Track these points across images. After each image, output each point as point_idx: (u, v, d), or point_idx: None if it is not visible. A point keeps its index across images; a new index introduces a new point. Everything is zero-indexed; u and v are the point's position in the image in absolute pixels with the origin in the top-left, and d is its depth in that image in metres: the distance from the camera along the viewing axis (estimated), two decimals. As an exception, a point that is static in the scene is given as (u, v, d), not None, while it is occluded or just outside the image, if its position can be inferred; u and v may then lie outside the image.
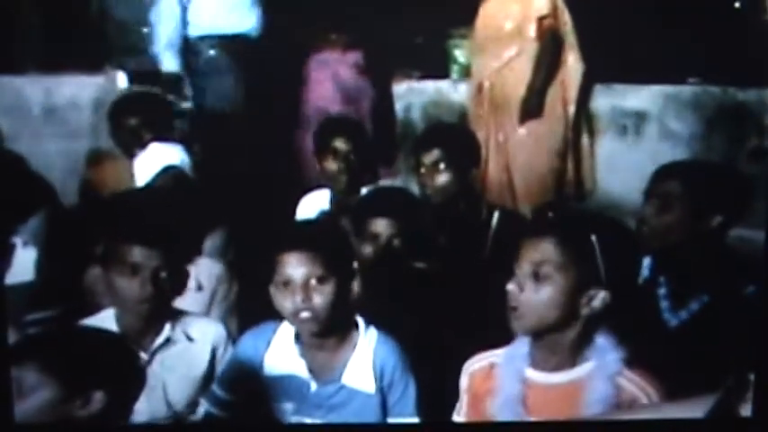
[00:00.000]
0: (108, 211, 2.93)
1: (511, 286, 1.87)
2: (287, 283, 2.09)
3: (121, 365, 1.82)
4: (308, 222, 2.84)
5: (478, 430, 2.03)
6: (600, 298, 1.86)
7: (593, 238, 1.86)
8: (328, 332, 2.14)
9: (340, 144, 3.20)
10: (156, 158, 3.40)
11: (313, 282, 2.08)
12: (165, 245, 2.28)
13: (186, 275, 2.39)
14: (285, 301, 2.09)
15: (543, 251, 1.85)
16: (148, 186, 3.13)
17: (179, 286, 2.36)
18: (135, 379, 1.85)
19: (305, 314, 2.08)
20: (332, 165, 3.21)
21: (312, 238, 2.17)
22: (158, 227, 2.40)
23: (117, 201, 2.98)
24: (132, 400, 1.84)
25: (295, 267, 2.08)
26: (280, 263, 2.09)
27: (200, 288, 2.71)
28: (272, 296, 2.13)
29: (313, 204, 3.32)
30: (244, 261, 3.03)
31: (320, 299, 2.08)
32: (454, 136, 3.18)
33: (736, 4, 4.56)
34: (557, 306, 1.85)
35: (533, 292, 1.85)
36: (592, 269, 1.85)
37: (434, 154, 2.95)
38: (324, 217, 3.17)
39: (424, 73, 4.81)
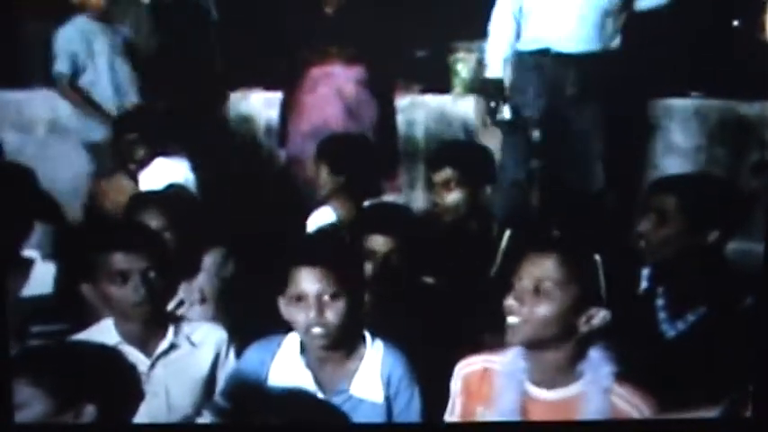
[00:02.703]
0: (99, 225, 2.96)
1: (510, 301, 1.89)
2: (300, 298, 2.10)
3: (113, 379, 1.82)
4: (321, 237, 2.82)
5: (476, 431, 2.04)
6: (600, 317, 1.88)
7: (597, 257, 1.88)
8: (337, 346, 2.15)
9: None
10: (161, 174, 3.42)
11: (326, 298, 2.09)
12: (147, 246, 2.29)
13: (175, 274, 2.40)
14: (298, 316, 2.11)
15: (546, 268, 1.87)
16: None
17: (170, 285, 2.38)
18: (129, 392, 1.85)
19: (317, 330, 2.10)
20: (326, 180, 3.23)
21: (327, 254, 2.17)
22: (136, 229, 2.42)
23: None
24: (128, 412, 1.84)
25: (309, 283, 2.09)
26: (294, 277, 2.10)
27: (203, 300, 2.72)
28: (280, 307, 2.14)
29: (320, 220, 3.34)
30: (247, 274, 3.04)
31: (333, 315, 2.09)
32: (466, 154, 3.17)
33: (735, 23, 4.58)
34: (555, 322, 1.87)
35: (533, 307, 1.86)
36: (593, 288, 1.88)
37: (446, 172, 2.94)
38: (335, 232, 3.17)
39: (425, 87, 4.82)
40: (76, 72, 4.34)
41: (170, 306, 2.62)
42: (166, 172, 3.43)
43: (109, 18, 4.45)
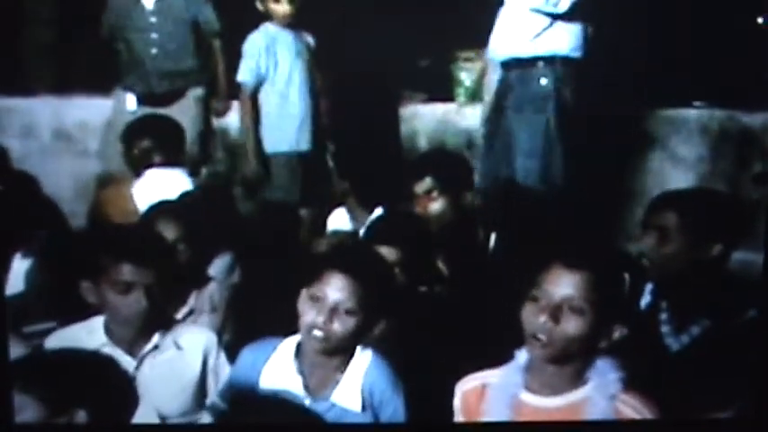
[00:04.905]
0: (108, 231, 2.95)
1: (543, 318, 1.84)
2: (319, 299, 2.10)
3: (104, 385, 1.82)
4: (367, 252, 2.76)
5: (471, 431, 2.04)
6: (619, 331, 1.88)
7: (627, 275, 1.89)
8: (333, 353, 2.16)
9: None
10: (155, 185, 3.39)
11: (342, 310, 2.09)
12: (157, 261, 2.30)
13: (184, 292, 2.41)
14: (308, 313, 2.10)
15: (579, 285, 1.84)
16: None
17: (176, 302, 2.39)
18: (121, 397, 1.85)
19: (318, 333, 2.10)
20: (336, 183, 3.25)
21: (364, 270, 2.15)
22: (150, 243, 2.42)
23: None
24: (122, 416, 1.84)
25: (334, 290, 2.08)
26: (324, 276, 2.10)
27: (213, 310, 2.73)
28: (300, 297, 2.13)
29: (336, 222, 3.35)
30: (253, 281, 3.06)
31: (340, 328, 2.09)
32: (444, 162, 3.19)
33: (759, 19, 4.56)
34: (583, 340, 1.85)
35: (564, 325, 1.84)
36: (620, 305, 1.88)
37: (427, 182, 2.96)
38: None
39: (429, 96, 4.83)
40: (260, 82, 4.17)
41: (180, 315, 2.64)
42: (161, 183, 3.40)
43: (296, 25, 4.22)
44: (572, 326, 1.83)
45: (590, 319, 1.83)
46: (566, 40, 3.68)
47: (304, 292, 2.13)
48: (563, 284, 1.85)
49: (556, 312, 1.84)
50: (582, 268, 1.85)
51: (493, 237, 2.98)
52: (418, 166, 3.13)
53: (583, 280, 1.84)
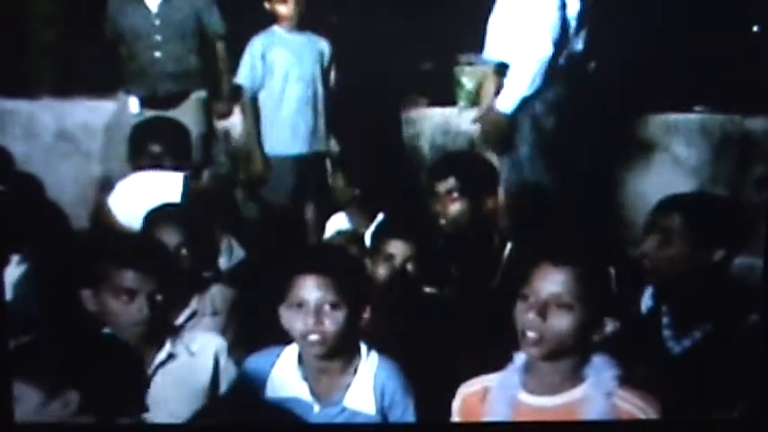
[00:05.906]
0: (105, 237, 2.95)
1: (530, 315, 1.88)
2: (300, 305, 2.12)
3: (102, 369, 1.82)
4: (325, 246, 2.84)
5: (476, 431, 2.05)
6: (611, 325, 1.90)
7: (611, 269, 1.91)
8: (333, 356, 2.17)
9: None
10: (128, 194, 3.35)
11: (326, 307, 2.11)
12: (159, 268, 2.30)
13: (185, 295, 2.43)
14: (296, 322, 2.13)
15: (565, 281, 1.87)
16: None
17: (178, 306, 2.40)
18: (121, 386, 1.85)
19: (314, 337, 2.12)
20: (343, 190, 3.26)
21: (330, 263, 2.19)
22: (152, 250, 2.42)
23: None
24: (118, 404, 1.84)
25: (310, 291, 2.11)
26: (295, 284, 2.13)
27: (215, 313, 2.73)
28: (281, 315, 2.16)
29: (336, 226, 3.37)
30: (254, 284, 3.06)
31: (331, 324, 2.11)
32: (470, 164, 3.18)
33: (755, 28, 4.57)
34: (574, 335, 1.87)
35: (552, 322, 1.87)
36: (609, 300, 1.90)
37: (449, 182, 2.94)
38: (339, 241, 3.18)
39: (431, 100, 4.84)
40: (257, 86, 4.19)
41: (182, 318, 2.63)
42: (134, 191, 3.35)
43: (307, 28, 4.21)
44: (561, 322, 1.87)
45: (578, 314, 1.87)
46: (536, 45, 3.67)
47: (282, 308, 2.15)
48: (550, 282, 1.88)
49: (543, 309, 1.87)
50: (567, 265, 1.88)
51: (508, 247, 2.96)
52: (443, 165, 3.12)
53: (569, 276, 1.87)
